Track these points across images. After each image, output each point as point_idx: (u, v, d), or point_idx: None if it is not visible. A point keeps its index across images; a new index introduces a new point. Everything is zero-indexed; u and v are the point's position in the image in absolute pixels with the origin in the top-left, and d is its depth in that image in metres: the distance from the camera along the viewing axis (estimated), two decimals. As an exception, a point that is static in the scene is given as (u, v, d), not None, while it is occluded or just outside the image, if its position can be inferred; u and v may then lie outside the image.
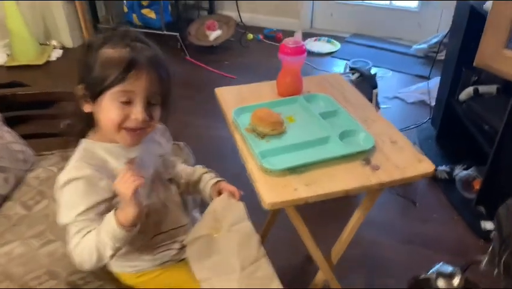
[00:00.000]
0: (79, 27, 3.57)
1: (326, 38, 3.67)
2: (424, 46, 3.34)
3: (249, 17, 3.91)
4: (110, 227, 0.89)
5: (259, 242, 1.08)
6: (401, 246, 1.89)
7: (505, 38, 1.52)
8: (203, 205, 1.19)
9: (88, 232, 0.91)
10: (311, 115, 1.25)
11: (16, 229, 1.24)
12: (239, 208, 1.09)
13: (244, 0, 3.85)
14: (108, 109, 0.92)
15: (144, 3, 3.48)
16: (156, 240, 1.09)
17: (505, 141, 1.75)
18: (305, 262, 1.77)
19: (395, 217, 2.05)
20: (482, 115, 2.02)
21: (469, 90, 2.13)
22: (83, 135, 0.99)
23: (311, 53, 3.48)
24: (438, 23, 3.45)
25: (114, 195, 0.94)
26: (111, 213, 0.91)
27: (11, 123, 1.76)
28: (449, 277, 1.24)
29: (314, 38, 3.68)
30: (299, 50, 1.29)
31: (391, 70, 3.23)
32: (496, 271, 1.14)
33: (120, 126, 0.93)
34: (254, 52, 3.53)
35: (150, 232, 1.07)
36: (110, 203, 0.94)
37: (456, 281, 1.23)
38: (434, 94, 2.64)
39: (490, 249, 1.17)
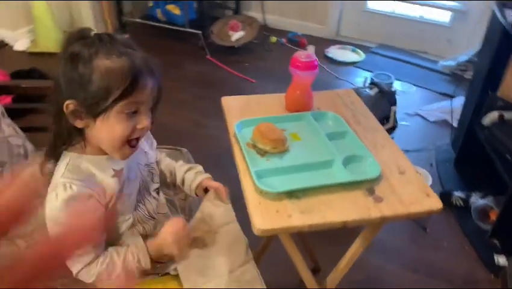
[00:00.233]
0: (104, 19, 3.57)
1: (351, 47, 3.58)
2: (452, 62, 3.22)
3: (274, 19, 3.85)
4: (142, 257, 0.97)
5: (247, 245, 1.09)
6: (407, 274, 1.81)
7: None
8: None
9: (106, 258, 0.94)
10: (316, 135, 1.18)
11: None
12: (227, 210, 1.08)
13: (271, 0, 3.79)
14: (114, 124, 0.86)
15: (170, -2, 3.46)
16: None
17: (527, 174, 1.65)
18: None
19: (403, 241, 1.96)
20: (505, 143, 1.91)
21: (494, 115, 2.02)
22: (65, 148, 0.93)
23: (334, 62, 3.40)
24: (469, 41, 3.31)
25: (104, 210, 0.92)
26: (144, 246, 0.99)
27: (19, 114, 1.75)
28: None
29: (339, 46, 3.60)
30: (311, 66, 1.22)
31: (415, 85, 3.12)
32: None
33: (127, 139, 0.90)
34: (276, 56, 3.47)
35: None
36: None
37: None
38: (457, 114, 2.52)
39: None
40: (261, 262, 1.57)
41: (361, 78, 3.11)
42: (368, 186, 1.03)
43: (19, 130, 1.44)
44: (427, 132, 2.67)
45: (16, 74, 2.77)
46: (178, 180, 1.15)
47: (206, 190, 1.12)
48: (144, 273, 1.02)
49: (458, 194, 2.11)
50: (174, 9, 3.47)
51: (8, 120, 1.40)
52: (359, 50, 3.53)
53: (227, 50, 3.44)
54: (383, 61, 3.43)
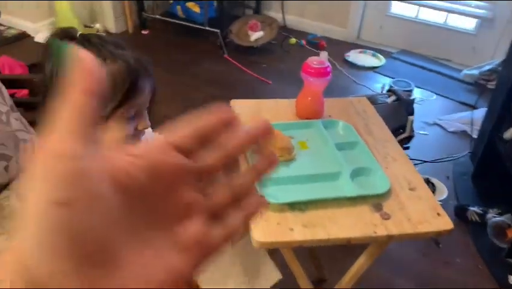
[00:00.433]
0: (124, 13, 3.58)
1: (372, 52, 3.51)
2: (476, 72, 3.12)
3: (294, 20, 3.80)
4: None
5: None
6: (415, 289, 1.75)
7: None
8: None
9: None
10: (326, 144, 1.14)
11: (6, 221, 1.20)
12: None
13: (292, 0, 3.74)
14: (114, 130, 0.84)
15: (191, -4, 3.45)
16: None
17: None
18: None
19: (414, 255, 1.90)
20: (526, 159, 1.84)
21: (516, 129, 1.94)
22: None
23: (353, 66, 3.33)
24: (494, 50, 3.21)
25: None
26: None
27: (34, 107, 1.75)
28: None
29: (359, 50, 3.53)
30: (323, 72, 1.18)
31: (435, 93, 3.03)
32: None
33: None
34: (294, 58, 3.42)
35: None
36: None
37: None
38: (478, 126, 2.44)
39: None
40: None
41: (380, 84, 3.04)
42: (376, 201, 0.98)
43: (28, 125, 1.43)
44: (445, 142, 2.59)
45: (35, 67, 2.79)
46: None
47: None
48: None
49: (474, 208, 2.03)
50: (194, 7, 3.46)
51: (16, 114, 1.39)
52: (379, 55, 3.46)
53: (246, 50, 3.40)
54: (404, 67, 3.35)
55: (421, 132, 2.59)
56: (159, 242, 0.24)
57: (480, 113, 2.58)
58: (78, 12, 3.34)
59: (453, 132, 2.66)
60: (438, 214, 0.97)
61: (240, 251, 1.03)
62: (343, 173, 1.04)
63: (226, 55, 3.35)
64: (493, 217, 1.97)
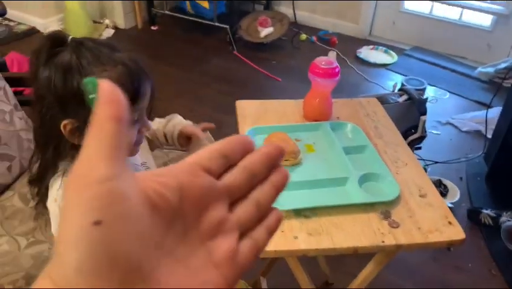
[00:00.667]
0: (134, 9, 3.56)
1: (384, 48, 3.44)
2: (491, 69, 3.04)
3: (305, 16, 3.75)
4: None
5: None
6: (425, 294, 1.71)
7: None
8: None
9: None
10: (333, 148, 1.10)
11: (8, 222, 1.19)
12: None
13: (303, -3, 3.69)
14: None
15: (200, -9, 3.41)
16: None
17: None
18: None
19: (424, 259, 1.85)
20: (542, 162, 1.78)
21: (532, 130, 1.88)
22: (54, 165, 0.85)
23: (365, 63, 3.27)
24: (510, 47, 3.12)
25: None
26: None
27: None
28: None
29: (371, 46, 3.46)
30: (331, 73, 1.14)
31: (449, 91, 2.96)
32: None
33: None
34: (304, 54, 3.37)
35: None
36: None
37: None
38: (492, 125, 2.37)
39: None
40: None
41: (392, 81, 2.98)
42: (385, 208, 0.95)
43: (31, 124, 1.42)
44: (458, 142, 2.53)
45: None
46: (161, 139, 1.10)
47: (188, 139, 1.07)
48: None
49: (487, 211, 1.98)
50: (203, 3, 3.42)
51: (20, 113, 1.38)
52: (392, 52, 3.39)
53: (255, 46, 3.36)
54: (416, 64, 3.28)
55: (433, 131, 2.53)
56: (193, 260, 0.25)
57: (495, 112, 2.51)
58: (88, 8, 3.33)
59: (466, 132, 2.60)
60: (450, 223, 0.93)
61: None
62: (351, 178, 1.00)
63: (235, 51, 3.31)
64: (507, 220, 1.91)
